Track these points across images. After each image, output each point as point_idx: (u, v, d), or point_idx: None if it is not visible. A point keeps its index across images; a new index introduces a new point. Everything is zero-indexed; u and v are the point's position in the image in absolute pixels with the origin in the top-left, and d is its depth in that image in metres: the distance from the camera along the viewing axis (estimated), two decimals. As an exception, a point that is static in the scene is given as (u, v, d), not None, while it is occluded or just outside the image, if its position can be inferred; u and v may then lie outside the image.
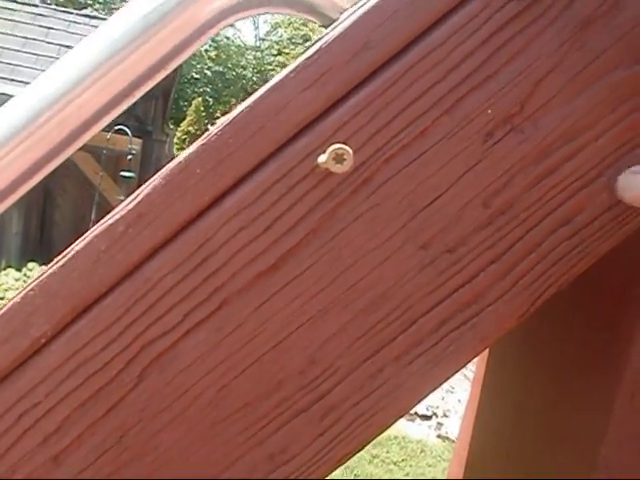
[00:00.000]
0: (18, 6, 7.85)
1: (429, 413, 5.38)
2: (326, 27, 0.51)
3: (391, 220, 0.43)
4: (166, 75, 0.52)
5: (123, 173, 9.07)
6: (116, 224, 0.41)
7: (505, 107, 0.43)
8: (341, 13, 0.50)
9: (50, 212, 8.30)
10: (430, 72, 0.42)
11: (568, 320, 0.58)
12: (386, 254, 0.44)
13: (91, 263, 0.41)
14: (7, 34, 7.45)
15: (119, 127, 6.95)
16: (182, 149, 12.27)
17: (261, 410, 0.44)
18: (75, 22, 7.97)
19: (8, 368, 0.41)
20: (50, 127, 0.50)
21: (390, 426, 0.47)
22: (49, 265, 0.42)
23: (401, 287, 0.44)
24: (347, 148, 0.37)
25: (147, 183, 0.42)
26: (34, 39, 7.57)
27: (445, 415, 5.42)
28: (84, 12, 9.38)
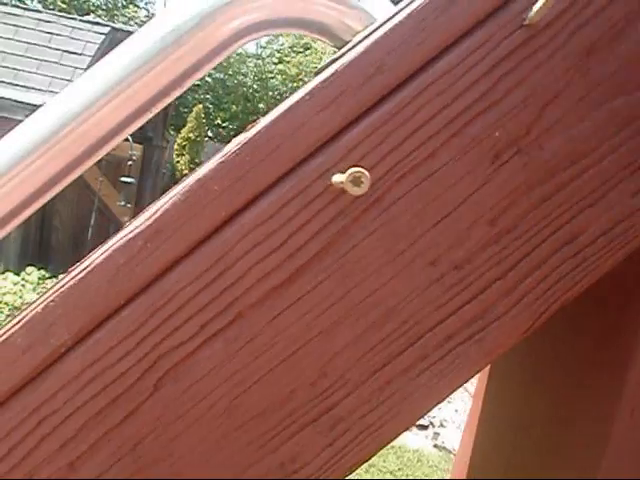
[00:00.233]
0: (21, 12, 7.89)
1: (426, 423, 5.38)
2: (338, 48, 0.52)
3: (401, 237, 0.45)
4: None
5: (123, 179, 9.09)
6: (135, 239, 0.42)
7: (512, 130, 0.45)
8: (353, 36, 0.52)
9: (49, 217, 8.30)
10: (440, 96, 0.44)
11: (569, 335, 0.60)
12: (396, 270, 0.45)
13: (110, 276, 0.42)
14: (10, 39, 7.48)
15: (120, 133, 6.94)
16: (182, 155, 12.29)
17: (273, 420, 0.45)
18: (78, 28, 8.01)
19: (29, 375, 0.42)
20: (69, 141, 0.51)
21: (397, 437, 0.49)
22: (67, 276, 0.44)
23: (410, 302, 0.46)
24: (365, 171, 0.38)
25: (166, 199, 0.43)
26: (37, 44, 7.60)
27: (442, 425, 5.42)
28: (87, 18, 9.41)
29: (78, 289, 0.42)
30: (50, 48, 7.65)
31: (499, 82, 0.44)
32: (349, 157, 0.43)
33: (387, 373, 0.46)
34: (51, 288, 0.44)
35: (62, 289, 0.42)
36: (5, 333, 0.42)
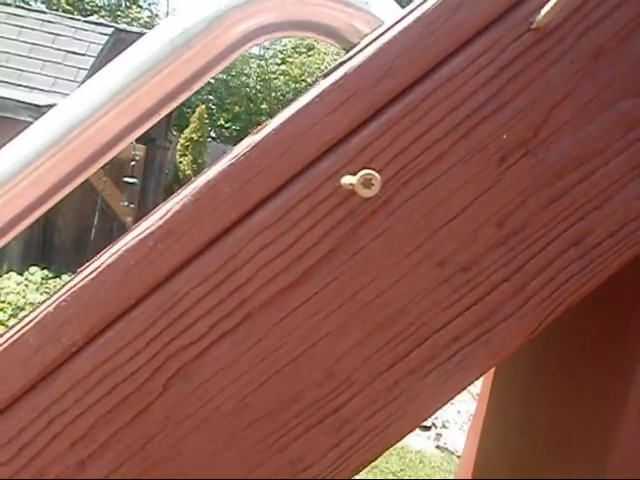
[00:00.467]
0: (25, 12, 7.91)
1: (428, 424, 5.38)
2: (346, 51, 0.53)
3: (409, 239, 0.45)
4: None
5: (126, 179, 9.11)
6: (146, 240, 0.42)
7: (520, 132, 0.45)
8: (361, 38, 0.52)
9: (52, 217, 8.32)
10: (448, 99, 0.44)
11: (574, 337, 0.60)
12: (403, 272, 0.45)
13: (121, 277, 0.42)
14: (14, 40, 7.50)
15: (123, 133, 6.96)
16: (185, 156, 12.30)
17: (281, 420, 0.45)
18: (81, 29, 8.03)
19: (40, 374, 0.43)
20: (77, 145, 0.51)
21: (403, 438, 0.49)
22: (79, 276, 0.44)
23: (417, 303, 0.46)
24: (375, 174, 0.39)
25: (176, 200, 0.43)
26: (41, 45, 7.62)
27: (444, 426, 5.42)
28: (90, 19, 9.43)
29: (90, 289, 0.42)
30: (54, 49, 7.67)
31: (507, 85, 0.45)
32: (357, 159, 0.43)
33: (394, 374, 0.47)
34: (63, 287, 0.44)
35: (74, 289, 0.42)
36: (17, 333, 0.42)
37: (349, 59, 0.48)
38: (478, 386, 0.78)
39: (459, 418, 5.40)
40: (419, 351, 0.47)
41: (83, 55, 7.78)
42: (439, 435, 5.30)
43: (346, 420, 0.46)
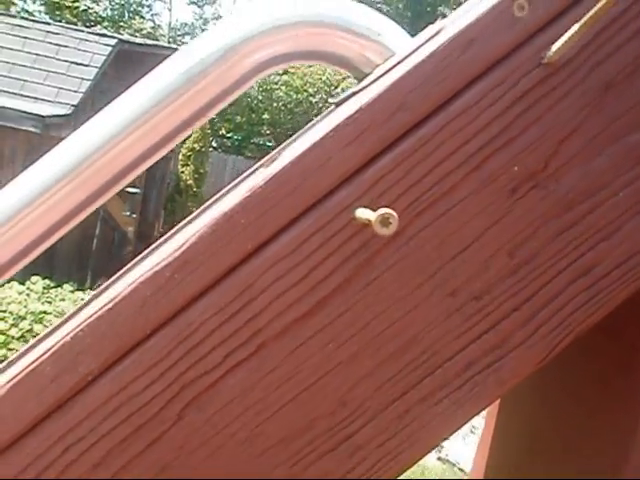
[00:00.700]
0: (30, 24, 7.96)
1: (429, 436, 5.36)
2: (358, 80, 0.54)
3: (421, 270, 0.46)
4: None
5: (128, 189, 9.11)
6: (162, 271, 0.43)
7: (530, 164, 0.46)
8: (373, 68, 0.53)
9: (54, 226, 8.30)
10: (460, 132, 0.45)
11: (583, 366, 0.60)
12: (415, 301, 0.46)
13: (137, 307, 0.43)
14: (19, 50, 7.54)
15: (126, 144, 6.98)
16: (187, 165, 12.33)
17: (294, 447, 0.46)
18: (85, 40, 8.08)
19: (56, 403, 0.43)
20: (92, 173, 0.52)
21: (414, 464, 0.49)
22: (94, 303, 0.45)
23: (429, 332, 0.47)
24: (393, 213, 0.39)
25: (191, 231, 0.44)
26: (45, 56, 7.66)
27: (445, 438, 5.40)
28: (94, 30, 9.49)
29: (106, 319, 0.43)
30: (57, 59, 7.71)
31: (517, 119, 0.45)
32: (371, 192, 0.44)
33: (406, 402, 0.47)
34: (79, 311, 0.45)
35: (90, 319, 0.43)
36: (34, 362, 0.43)
37: (361, 89, 0.48)
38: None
39: (460, 430, 5.39)
40: (430, 379, 0.47)
41: (87, 66, 7.82)
42: (440, 447, 5.28)
43: (358, 447, 0.47)
